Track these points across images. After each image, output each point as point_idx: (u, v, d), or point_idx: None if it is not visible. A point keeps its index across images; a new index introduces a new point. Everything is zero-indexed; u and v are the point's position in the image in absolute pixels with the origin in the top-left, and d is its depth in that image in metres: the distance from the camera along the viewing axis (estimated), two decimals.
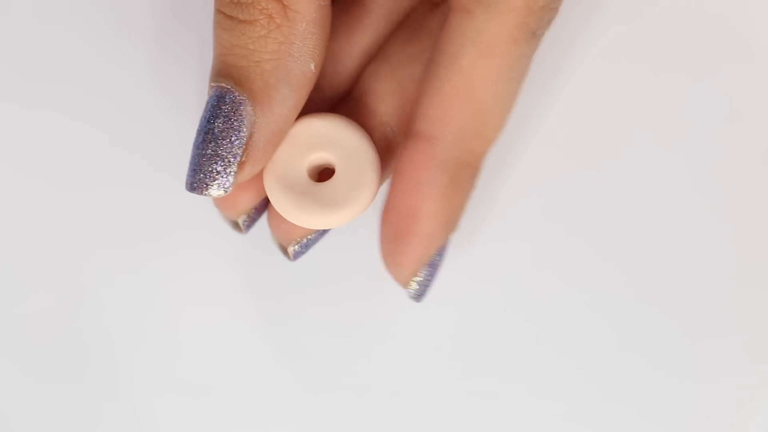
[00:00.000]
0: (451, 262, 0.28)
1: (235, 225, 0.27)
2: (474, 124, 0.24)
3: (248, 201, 0.26)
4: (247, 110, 0.23)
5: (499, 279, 0.29)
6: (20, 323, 0.29)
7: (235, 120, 0.23)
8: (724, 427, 0.29)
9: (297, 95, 0.23)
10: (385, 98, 0.26)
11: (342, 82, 0.27)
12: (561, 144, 0.29)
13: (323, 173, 0.25)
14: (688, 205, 0.29)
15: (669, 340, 0.29)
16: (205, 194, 0.23)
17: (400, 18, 0.27)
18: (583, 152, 0.29)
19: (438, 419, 0.29)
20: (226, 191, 0.23)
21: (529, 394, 0.29)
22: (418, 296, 0.26)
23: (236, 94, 0.23)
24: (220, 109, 0.23)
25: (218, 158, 0.23)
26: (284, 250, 0.27)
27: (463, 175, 0.24)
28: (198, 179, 0.23)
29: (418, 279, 0.25)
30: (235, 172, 0.23)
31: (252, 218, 0.27)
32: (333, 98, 0.27)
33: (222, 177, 0.23)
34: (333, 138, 0.24)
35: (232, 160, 0.23)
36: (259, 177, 0.25)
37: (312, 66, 0.23)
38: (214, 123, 0.23)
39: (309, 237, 0.26)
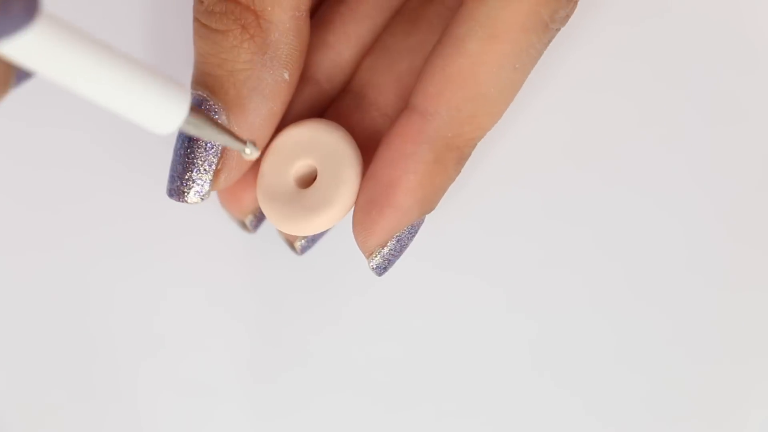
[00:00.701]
0: (453, 263, 0.28)
1: (243, 225, 0.27)
2: (470, 107, 0.23)
3: (254, 201, 0.26)
4: (221, 119, 0.23)
5: (502, 279, 0.29)
6: (23, 324, 0.30)
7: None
8: (723, 427, 0.28)
9: (271, 104, 0.23)
10: (384, 90, 0.26)
11: (339, 74, 0.26)
12: (561, 144, 0.29)
13: (312, 179, 0.25)
14: (688, 204, 0.28)
15: (669, 340, 0.28)
16: (183, 201, 0.23)
17: (394, 7, 0.26)
18: (583, 152, 0.29)
19: (440, 419, 0.29)
20: (203, 198, 0.23)
21: (530, 394, 0.29)
22: (380, 269, 0.25)
23: (211, 102, 0.23)
24: None
25: (194, 166, 0.23)
26: (291, 245, 0.27)
27: (450, 157, 0.24)
28: (175, 186, 0.23)
29: (383, 252, 0.25)
30: (211, 180, 0.23)
31: (259, 218, 0.27)
32: (331, 92, 0.26)
33: (197, 185, 0.23)
34: (313, 142, 0.24)
35: (207, 168, 0.23)
36: None
37: (286, 75, 0.23)
38: None
39: None
